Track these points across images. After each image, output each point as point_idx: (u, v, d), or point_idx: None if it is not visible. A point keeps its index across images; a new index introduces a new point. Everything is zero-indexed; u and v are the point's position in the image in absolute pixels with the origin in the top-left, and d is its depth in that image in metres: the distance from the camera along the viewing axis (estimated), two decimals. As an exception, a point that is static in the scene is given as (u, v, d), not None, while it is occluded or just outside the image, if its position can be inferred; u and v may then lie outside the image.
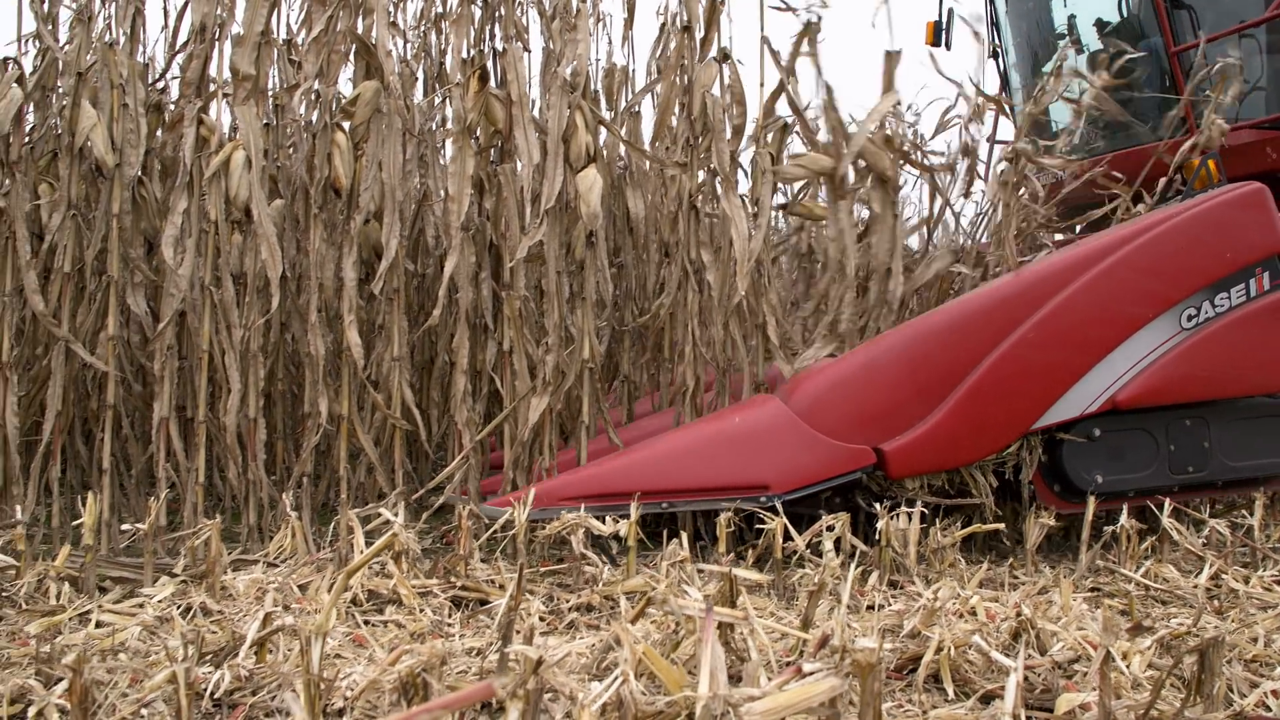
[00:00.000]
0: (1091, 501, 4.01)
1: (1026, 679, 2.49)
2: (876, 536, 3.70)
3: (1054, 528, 4.05)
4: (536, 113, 5.07)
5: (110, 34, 4.76)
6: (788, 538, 3.58)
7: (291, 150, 5.24)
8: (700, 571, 3.50)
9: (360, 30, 4.46)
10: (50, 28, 4.72)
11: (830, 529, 3.69)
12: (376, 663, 2.50)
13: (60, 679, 2.35)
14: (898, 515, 3.77)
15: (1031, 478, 4.31)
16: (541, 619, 3.17)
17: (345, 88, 4.72)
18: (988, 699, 2.43)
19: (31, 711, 1.96)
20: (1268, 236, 4.42)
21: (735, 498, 3.94)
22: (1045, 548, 4.25)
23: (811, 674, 1.79)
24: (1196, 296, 4.33)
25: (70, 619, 3.01)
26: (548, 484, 4.05)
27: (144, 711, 2.04)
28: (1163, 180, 5.30)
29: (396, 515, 3.38)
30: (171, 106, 5.11)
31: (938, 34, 7.74)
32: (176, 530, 4.28)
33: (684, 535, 3.62)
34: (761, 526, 3.71)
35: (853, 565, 3.29)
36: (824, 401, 4.19)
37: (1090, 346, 4.24)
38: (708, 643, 1.68)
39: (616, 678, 1.74)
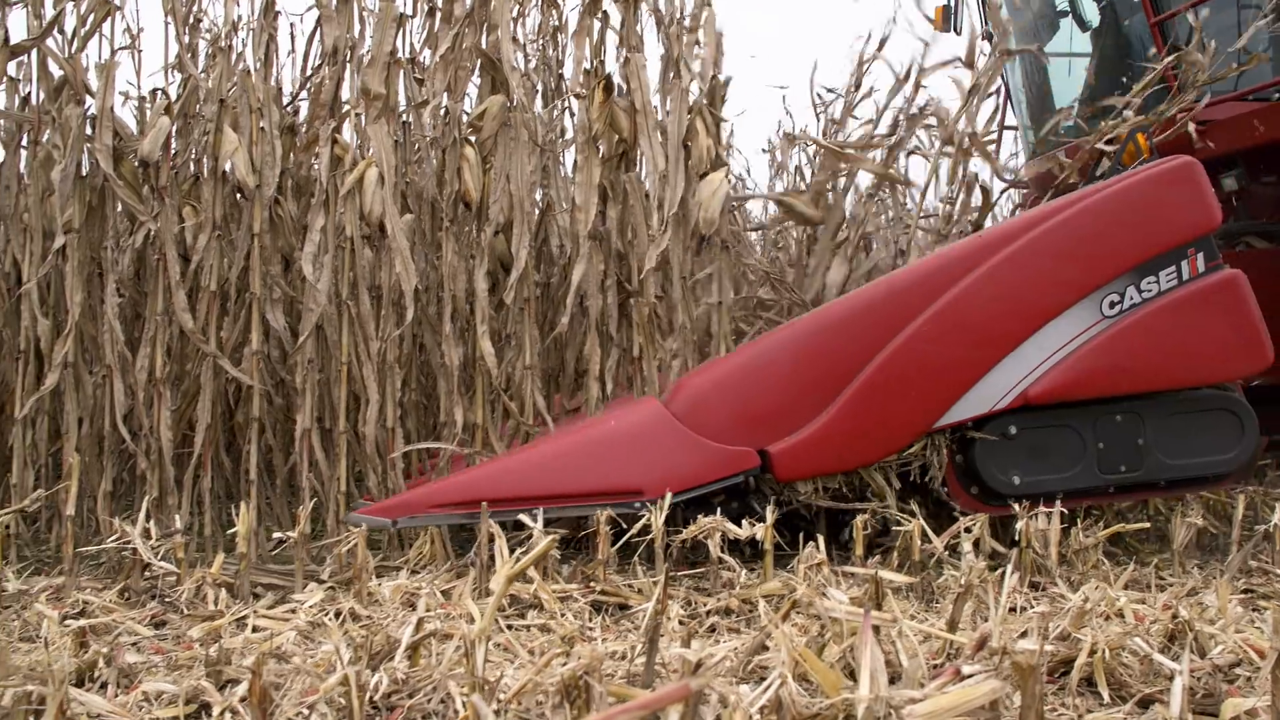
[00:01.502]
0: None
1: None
2: (1015, 538, 3.64)
3: (1202, 528, 3.93)
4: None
5: (243, 61, 4.95)
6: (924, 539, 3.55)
7: (419, 165, 5.36)
8: (837, 574, 3.48)
9: (485, 46, 4.56)
10: (190, 57, 4.92)
11: (968, 530, 3.65)
12: (526, 666, 2.55)
13: (230, 681, 2.46)
14: (1036, 516, 3.69)
15: (944, 479, 4.07)
16: (681, 623, 3.19)
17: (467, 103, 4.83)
18: (1146, 703, 2.37)
19: (215, 711, 2.04)
20: (1199, 215, 4.08)
21: (606, 504, 3.73)
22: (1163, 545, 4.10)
23: (971, 676, 1.78)
24: (1119, 282, 4.01)
25: (229, 624, 3.12)
26: (418, 491, 3.93)
27: (312, 713, 2.11)
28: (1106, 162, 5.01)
29: (535, 521, 3.43)
30: (303, 128, 5.28)
31: (947, 18, 7.47)
32: (320, 538, 4.42)
33: (820, 539, 3.61)
34: (898, 529, 3.68)
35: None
36: (704, 402, 4.03)
37: (995, 338, 3.97)
38: (867, 644, 1.67)
39: (774, 680, 1.75)
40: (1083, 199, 4.11)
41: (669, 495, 3.72)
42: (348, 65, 4.62)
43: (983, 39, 6.86)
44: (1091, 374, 3.98)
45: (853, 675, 2.25)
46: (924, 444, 4.04)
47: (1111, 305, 4.01)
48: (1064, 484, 4.03)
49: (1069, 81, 7.24)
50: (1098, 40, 6.96)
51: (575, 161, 4.66)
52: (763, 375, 4.04)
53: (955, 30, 7.55)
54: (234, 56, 4.97)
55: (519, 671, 2.40)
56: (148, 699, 2.33)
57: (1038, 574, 3.60)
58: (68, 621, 2.94)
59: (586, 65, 4.72)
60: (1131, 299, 4.02)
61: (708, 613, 3.29)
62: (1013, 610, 3.20)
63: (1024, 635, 2.80)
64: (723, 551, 3.53)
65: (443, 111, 4.67)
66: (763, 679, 2.55)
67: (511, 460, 4.09)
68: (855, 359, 3.94)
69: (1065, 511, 3.74)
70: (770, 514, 3.58)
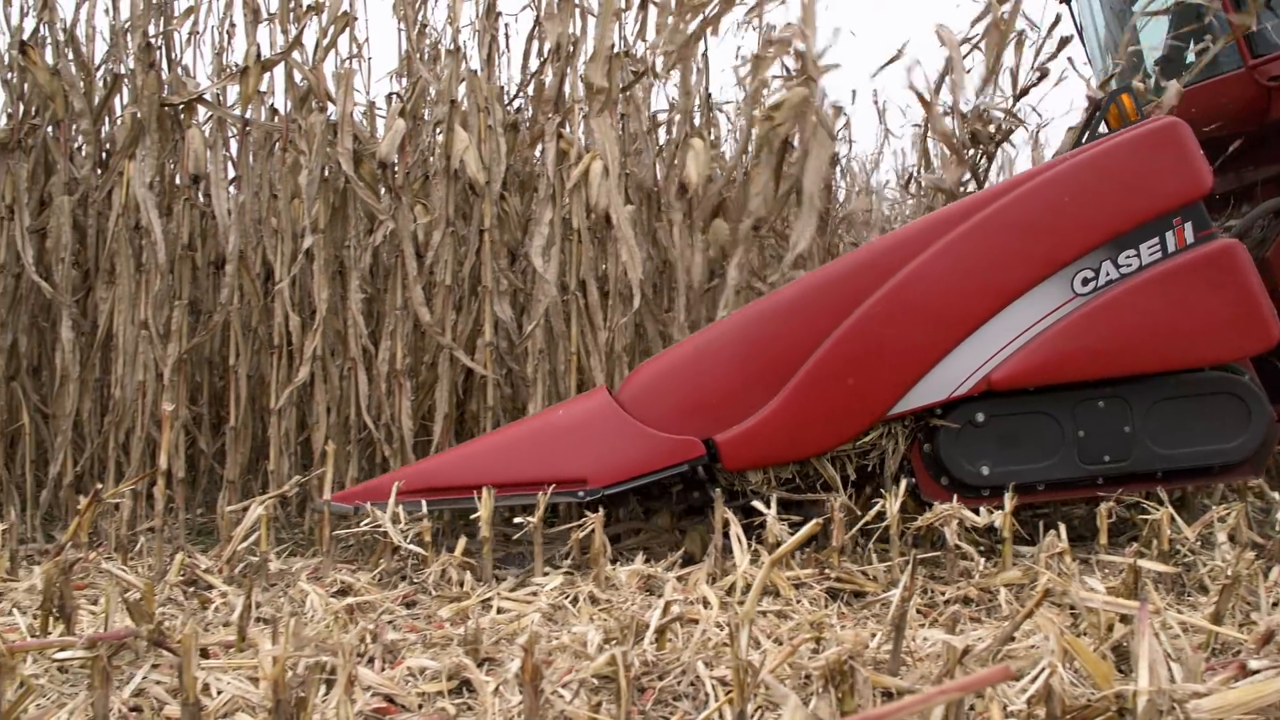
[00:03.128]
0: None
1: None
2: (1276, 528, 3.42)
3: None
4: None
5: (467, 62, 5.12)
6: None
7: (638, 156, 5.44)
8: (1080, 562, 3.35)
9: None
10: (419, 60, 5.13)
11: (1223, 520, 3.45)
12: (771, 652, 2.56)
13: (486, 659, 2.56)
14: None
15: (913, 469, 3.83)
16: (919, 611, 3.14)
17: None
18: None
19: (491, 687, 2.13)
20: (1185, 180, 3.69)
21: (556, 491, 3.73)
22: None
23: (1258, 672, 1.68)
24: (1093, 256, 3.67)
25: (474, 605, 3.24)
26: (383, 478, 3.95)
27: (577, 691, 2.18)
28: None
29: (769, 508, 3.43)
30: (525, 124, 5.43)
31: None
32: (553, 525, 4.54)
33: (1062, 527, 3.48)
34: (1146, 517, 3.51)
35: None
36: (650, 391, 3.92)
37: (951, 320, 3.69)
38: (1145, 634, 1.61)
39: (1043, 668, 1.70)
40: (1051, 167, 3.80)
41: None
42: (569, 61, 4.71)
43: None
44: (1062, 357, 3.69)
45: (1118, 667, 2.16)
46: (880, 432, 3.84)
47: (1084, 282, 3.71)
48: (1039, 475, 3.78)
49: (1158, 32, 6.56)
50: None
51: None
52: (709, 363, 3.91)
53: None
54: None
55: (765, 658, 2.40)
56: (412, 674, 2.45)
57: None
58: (324, 599, 3.12)
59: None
60: (1108, 275, 3.70)
61: (946, 601, 3.22)
62: (1277, 605, 3.02)
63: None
64: (958, 541, 3.45)
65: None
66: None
67: (466, 449, 4.09)
68: (806, 344, 3.75)
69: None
70: (1009, 502, 3.47)
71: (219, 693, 2.23)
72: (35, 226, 5.00)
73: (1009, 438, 3.79)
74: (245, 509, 3.64)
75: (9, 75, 5.36)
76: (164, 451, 3.66)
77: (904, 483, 3.80)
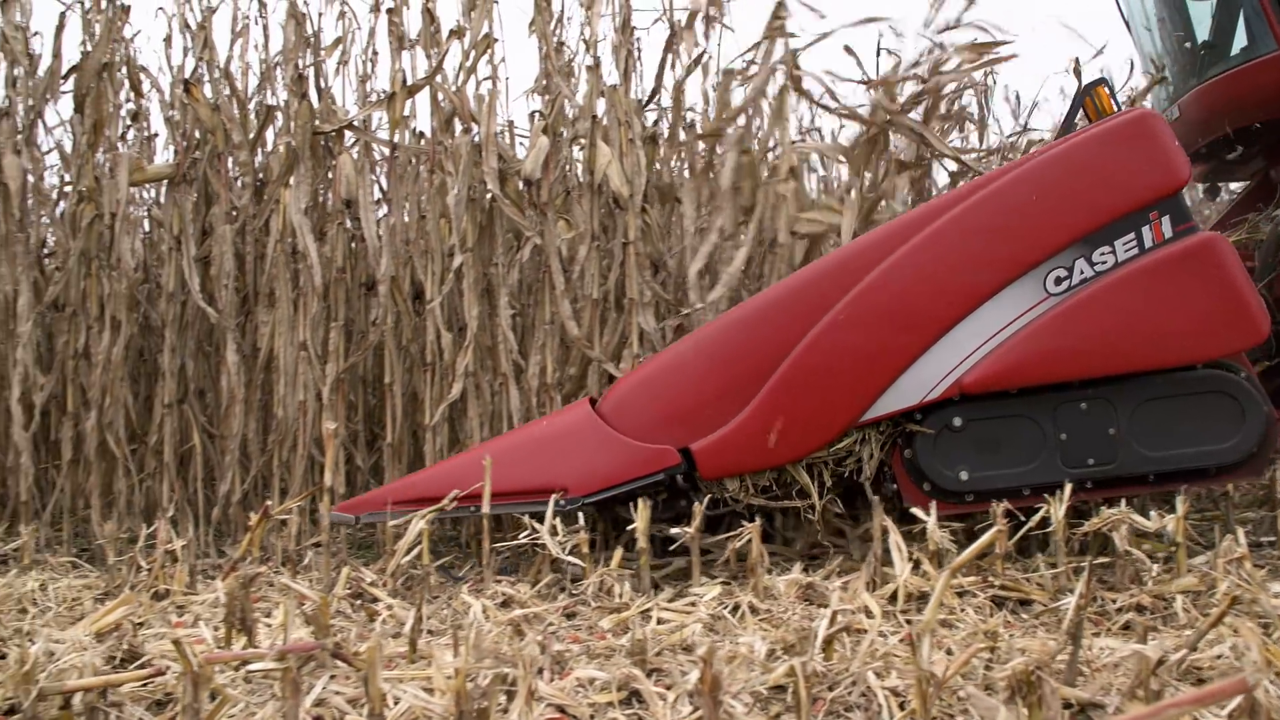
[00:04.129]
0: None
1: None
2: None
3: None
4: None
5: (605, 78, 5.17)
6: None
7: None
8: (1261, 568, 3.20)
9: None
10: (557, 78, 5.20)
11: None
12: (938, 661, 2.50)
13: (654, 669, 2.57)
14: None
15: (895, 476, 3.74)
16: (1090, 620, 3.03)
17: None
18: None
19: (669, 698, 2.14)
20: (1159, 173, 3.54)
21: (536, 501, 3.77)
22: None
23: None
24: (1065, 255, 3.56)
25: (634, 615, 3.25)
26: (381, 490, 4.09)
27: (751, 704, 2.17)
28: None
29: (929, 515, 3.37)
30: (663, 136, 5.45)
31: None
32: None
33: (1240, 531, 3.33)
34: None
35: None
36: (627, 402, 3.93)
37: (918, 324, 3.60)
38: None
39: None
40: (1019, 165, 3.69)
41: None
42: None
43: None
44: (1036, 359, 3.60)
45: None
46: (855, 439, 3.77)
47: (1057, 282, 3.60)
48: (1020, 479, 3.69)
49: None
50: None
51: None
52: (685, 372, 3.94)
53: None
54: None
55: (941, 667, 2.35)
56: (581, 685, 2.47)
57: None
58: (492, 612, 3.17)
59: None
60: (1082, 273, 3.60)
61: (1118, 609, 3.11)
62: None
63: None
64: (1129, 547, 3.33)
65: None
66: (1200, 680, 2.38)
67: (456, 460, 4.17)
68: (777, 351, 3.74)
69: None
70: (1181, 504, 3.33)
71: (396, 701, 2.28)
72: (199, 255, 5.23)
73: (988, 442, 3.74)
74: (406, 523, 3.74)
75: (171, 113, 5.63)
76: (328, 469, 3.78)
77: (886, 489, 3.80)
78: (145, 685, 2.46)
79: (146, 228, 6.17)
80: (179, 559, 3.83)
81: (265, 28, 5.79)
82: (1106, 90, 4.06)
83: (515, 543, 3.75)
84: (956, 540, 3.77)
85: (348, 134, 5.18)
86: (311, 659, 2.28)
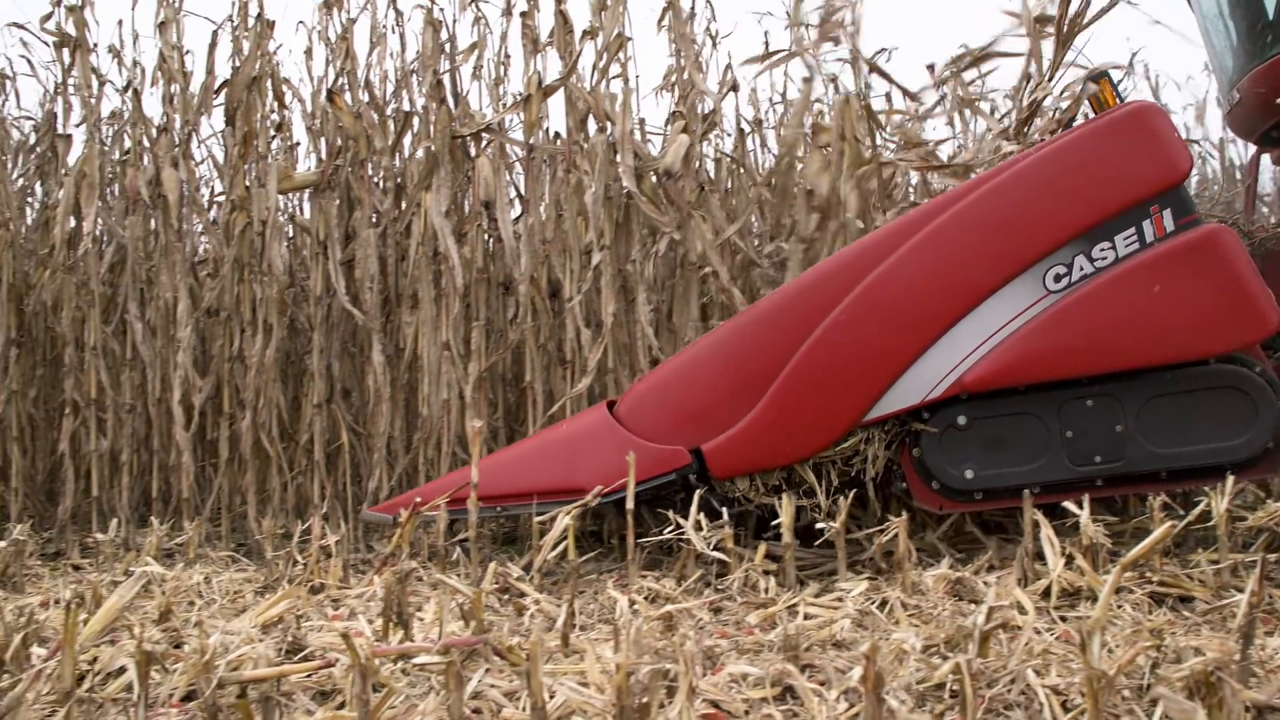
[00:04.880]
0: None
1: None
2: None
3: None
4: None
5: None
6: None
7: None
8: None
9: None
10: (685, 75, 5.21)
11: None
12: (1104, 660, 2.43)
13: (806, 665, 2.55)
14: None
15: (905, 475, 3.78)
16: (1258, 618, 2.91)
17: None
18: None
19: (831, 695, 2.13)
20: (1160, 167, 3.45)
21: (558, 501, 3.86)
22: None
23: None
24: (1064, 252, 3.54)
25: (781, 610, 3.24)
26: (418, 489, 4.23)
27: (894, 700, 2.14)
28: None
29: (1082, 507, 3.28)
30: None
31: None
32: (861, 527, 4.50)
33: None
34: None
35: None
36: (641, 404, 4.01)
37: (917, 323, 3.61)
38: None
39: None
40: (1016, 163, 3.59)
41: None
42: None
43: None
44: (1037, 356, 3.57)
45: None
46: (861, 438, 3.80)
47: (1057, 279, 3.57)
48: (1026, 478, 3.64)
49: None
50: None
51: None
52: (696, 374, 4.00)
53: None
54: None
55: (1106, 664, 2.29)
56: (734, 680, 2.47)
57: None
58: (637, 606, 3.19)
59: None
60: (1081, 270, 3.56)
61: (1291, 609, 2.98)
62: None
63: None
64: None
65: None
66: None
67: (484, 462, 4.16)
68: (784, 352, 3.76)
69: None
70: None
71: (551, 695, 2.32)
72: (344, 259, 5.38)
73: (993, 440, 3.73)
74: (552, 519, 3.80)
75: (313, 122, 5.81)
76: (474, 465, 3.85)
77: (896, 488, 3.87)
78: (310, 676, 2.55)
79: (290, 233, 6.38)
80: (333, 554, 3.95)
81: (402, 36, 5.92)
82: (1109, 82, 4.02)
83: (660, 538, 3.77)
84: (1109, 534, 3.68)
85: (484, 136, 5.26)
86: (475, 653, 2.33)
